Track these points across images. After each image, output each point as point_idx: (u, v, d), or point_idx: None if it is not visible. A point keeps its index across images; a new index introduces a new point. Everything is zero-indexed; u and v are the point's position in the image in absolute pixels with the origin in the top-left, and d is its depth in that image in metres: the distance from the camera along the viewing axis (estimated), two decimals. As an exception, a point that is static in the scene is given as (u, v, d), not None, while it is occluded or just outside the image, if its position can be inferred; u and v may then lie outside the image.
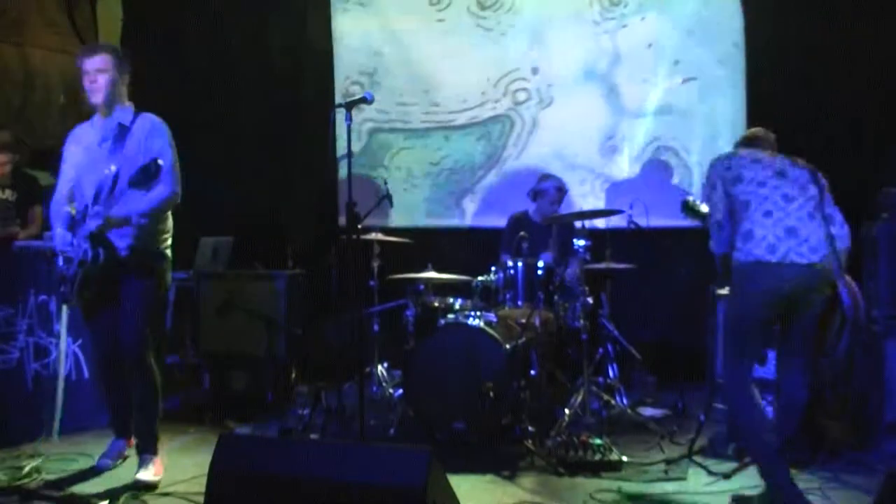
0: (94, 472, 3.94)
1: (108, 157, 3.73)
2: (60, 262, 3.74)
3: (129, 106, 3.88)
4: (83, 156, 3.86)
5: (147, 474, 3.76)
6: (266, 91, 6.79)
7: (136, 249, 3.74)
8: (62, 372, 4.31)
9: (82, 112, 3.97)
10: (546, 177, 5.56)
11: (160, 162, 3.46)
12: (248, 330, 5.14)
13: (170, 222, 3.94)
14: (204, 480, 2.74)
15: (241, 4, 6.81)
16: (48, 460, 4.09)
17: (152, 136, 3.79)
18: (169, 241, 3.93)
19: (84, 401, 4.67)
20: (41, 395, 4.58)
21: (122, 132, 3.77)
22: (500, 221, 5.75)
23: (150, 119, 3.85)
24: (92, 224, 3.60)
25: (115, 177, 3.62)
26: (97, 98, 3.80)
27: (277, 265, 5.59)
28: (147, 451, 3.87)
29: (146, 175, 3.46)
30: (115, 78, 3.79)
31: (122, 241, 3.72)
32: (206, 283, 5.28)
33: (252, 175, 6.71)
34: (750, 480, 3.86)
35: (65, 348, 4.36)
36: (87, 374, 4.73)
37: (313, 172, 6.53)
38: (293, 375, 5.26)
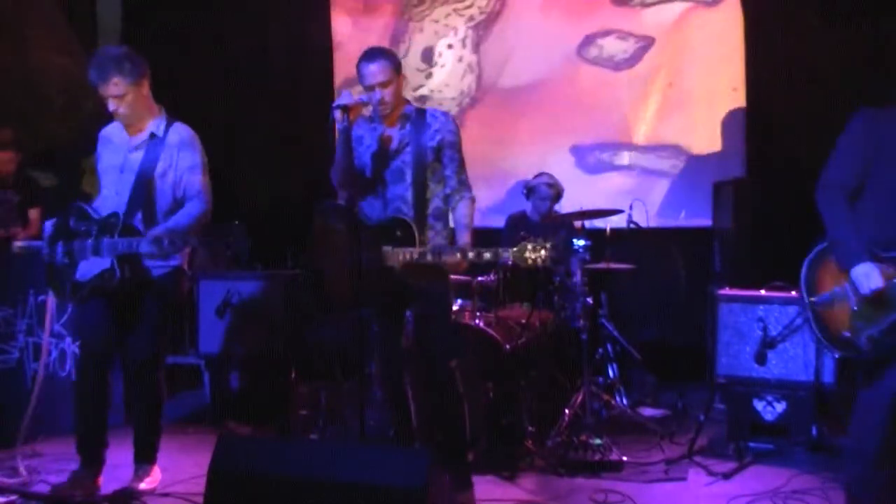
0: (125, 458, 3.85)
1: (139, 168, 3.64)
2: (60, 252, 3.67)
3: (160, 115, 3.74)
4: (111, 160, 3.75)
5: (144, 484, 3.74)
6: (266, 91, 6.79)
7: (164, 270, 3.69)
8: (41, 371, 4.29)
9: (82, 112, 3.95)
10: (540, 174, 5.57)
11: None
12: (248, 330, 5.13)
13: None
14: (204, 480, 2.74)
15: (241, 4, 6.81)
16: (48, 460, 4.09)
17: (183, 149, 3.69)
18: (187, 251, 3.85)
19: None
20: (41, 395, 4.58)
21: (155, 142, 3.66)
22: (500, 221, 5.75)
23: (182, 130, 3.73)
24: (142, 247, 3.44)
25: (149, 188, 3.59)
26: (123, 121, 3.68)
27: (277, 265, 5.59)
28: (145, 461, 3.82)
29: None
30: (135, 95, 3.61)
31: (153, 262, 3.65)
32: (205, 283, 5.28)
33: (252, 175, 6.71)
34: (750, 480, 3.86)
35: (46, 344, 4.37)
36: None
37: (313, 173, 6.53)
38: (293, 375, 5.25)
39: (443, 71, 6.63)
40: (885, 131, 2.99)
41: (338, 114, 3.31)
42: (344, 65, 6.71)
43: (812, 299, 3.08)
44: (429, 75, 6.65)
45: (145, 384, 3.77)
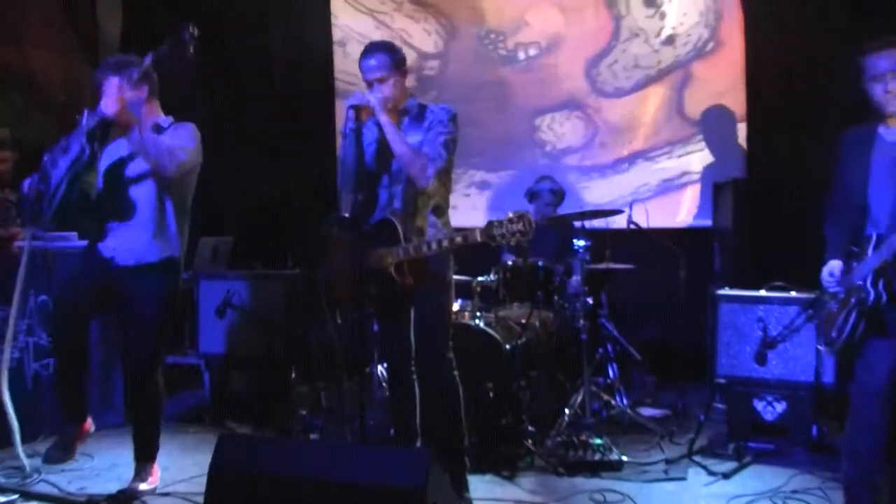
0: (125, 457, 3.88)
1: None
2: (27, 186, 3.63)
3: (165, 117, 3.80)
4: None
5: (145, 484, 3.74)
6: (266, 91, 6.79)
7: (157, 257, 3.67)
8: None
9: (82, 111, 3.95)
10: (542, 178, 5.55)
11: None
12: (248, 330, 5.13)
13: (187, 227, 3.85)
14: (204, 480, 2.74)
15: (241, 5, 6.81)
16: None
17: (181, 128, 3.74)
18: (184, 247, 3.84)
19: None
20: (41, 395, 4.58)
21: (157, 130, 3.70)
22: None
23: (183, 123, 3.79)
24: (102, 108, 3.43)
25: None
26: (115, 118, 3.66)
27: (277, 265, 5.59)
28: (145, 460, 3.81)
29: None
30: (140, 98, 3.64)
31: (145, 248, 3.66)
32: (205, 283, 5.28)
33: (252, 175, 6.71)
34: (750, 481, 3.87)
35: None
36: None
37: (313, 172, 6.54)
38: (293, 375, 5.26)
39: (672, 5, 6.24)
40: (852, 147, 3.21)
41: (351, 113, 3.30)
42: (564, 66, 6.49)
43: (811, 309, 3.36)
44: (662, 15, 6.28)
45: (144, 386, 3.75)
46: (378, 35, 6.47)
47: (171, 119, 3.83)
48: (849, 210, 3.16)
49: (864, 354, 3.06)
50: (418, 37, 6.78)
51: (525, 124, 6.56)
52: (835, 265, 3.14)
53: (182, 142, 3.66)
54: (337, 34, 6.89)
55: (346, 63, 6.81)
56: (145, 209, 3.68)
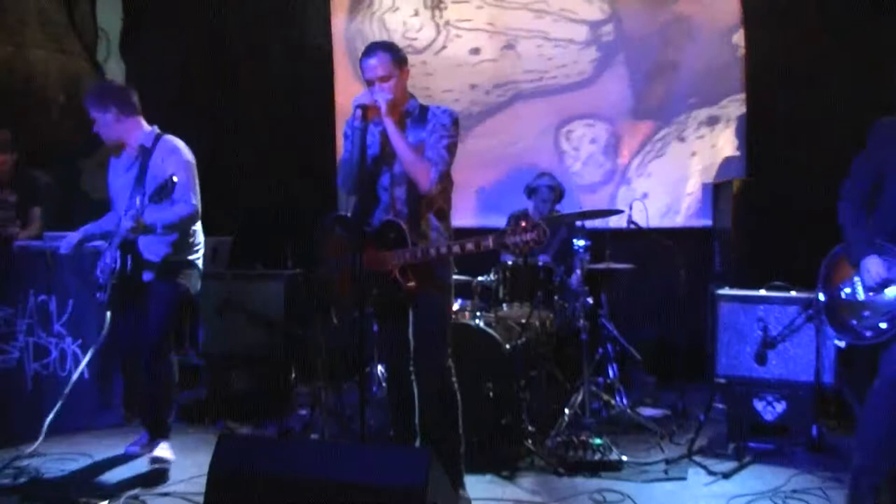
0: (125, 457, 4.14)
1: (134, 183, 3.95)
2: (98, 271, 4.03)
3: (149, 130, 4.06)
4: (116, 182, 4.13)
5: (162, 452, 3.99)
6: (266, 91, 6.79)
7: (165, 259, 4.00)
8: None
9: (82, 112, 4.00)
10: (541, 175, 5.54)
11: (175, 179, 3.64)
12: (248, 330, 5.13)
13: (200, 235, 4.14)
14: (204, 480, 2.74)
15: (241, 5, 6.81)
16: (48, 460, 4.09)
17: (168, 156, 3.95)
18: (200, 252, 4.16)
19: (84, 401, 4.67)
20: (41, 395, 4.58)
21: (144, 155, 3.97)
22: (501, 221, 5.75)
23: (168, 141, 4.03)
24: (123, 226, 3.78)
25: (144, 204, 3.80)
26: (106, 141, 4.09)
27: (277, 265, 5.58)
28: (160, 437, 4.07)
29: (161, 192, 3.66)
30: (109, 119, 3.97)
31: (152, 254, 3.98)
32: (206, 283, 5.27)
33: (252, 174, 6.71)
34: (750, 480, 3.87)
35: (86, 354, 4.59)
36: (87, 374, 4.73)
37: (314, 172, 6.54)
38: (293, 375, 5.26)
39: None
40: (889, 137, 3.24)
41: (358, 112, 3.29)
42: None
43: (827, 292, 3.39)
44: None
45: (155, 364, 4.00)
46: (541, 25, 6.29)
47: (153, 133, 4.05)
48: (873, 196, 3.22)
49: (888, 345, 3.11)
50: (581, 9, 6.30)
51: (725, 47, 6.08)
52: (880, 264, 3.13)
53: (181, 208, 3.93)
54: (501, 40, 6.48)
55: (521, 63, 6.42)
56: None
